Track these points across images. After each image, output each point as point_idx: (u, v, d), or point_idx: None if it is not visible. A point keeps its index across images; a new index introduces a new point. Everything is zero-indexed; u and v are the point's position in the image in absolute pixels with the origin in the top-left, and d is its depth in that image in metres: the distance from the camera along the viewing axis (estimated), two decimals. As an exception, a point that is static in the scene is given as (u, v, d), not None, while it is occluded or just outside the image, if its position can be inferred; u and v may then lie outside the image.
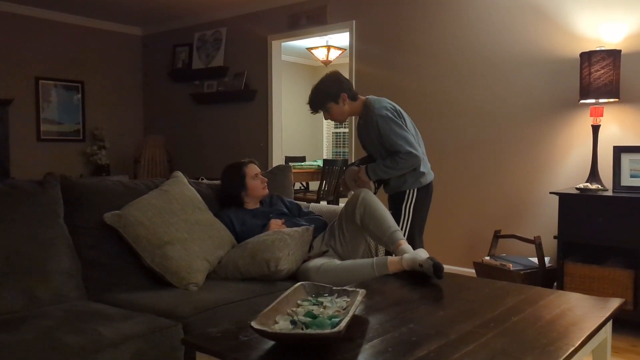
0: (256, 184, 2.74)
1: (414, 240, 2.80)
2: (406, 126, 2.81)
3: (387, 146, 2.77)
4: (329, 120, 9.36)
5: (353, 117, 4.41)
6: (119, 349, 1.64)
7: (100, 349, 1.59)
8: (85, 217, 2.26)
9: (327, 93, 2.84)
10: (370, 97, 2.92)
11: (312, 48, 6.96)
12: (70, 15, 6.31)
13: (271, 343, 1.36)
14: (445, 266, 2.07)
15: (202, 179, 3.09)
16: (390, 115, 2.76)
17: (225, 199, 2.77)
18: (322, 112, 2.91)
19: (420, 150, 2.81)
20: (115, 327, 1.72)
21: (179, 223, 2.34)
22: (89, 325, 1.71)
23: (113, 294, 2.15)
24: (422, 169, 2.85)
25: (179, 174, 2.65)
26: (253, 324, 1.31)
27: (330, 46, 6.87)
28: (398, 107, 2.87)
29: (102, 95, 6.72)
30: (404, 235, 2.66)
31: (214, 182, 2.94)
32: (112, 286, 2.22)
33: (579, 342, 1.38)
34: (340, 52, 6.98)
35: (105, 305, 2.01)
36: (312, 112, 2.92)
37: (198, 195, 2.58)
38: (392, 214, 2.66)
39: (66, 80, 6.38)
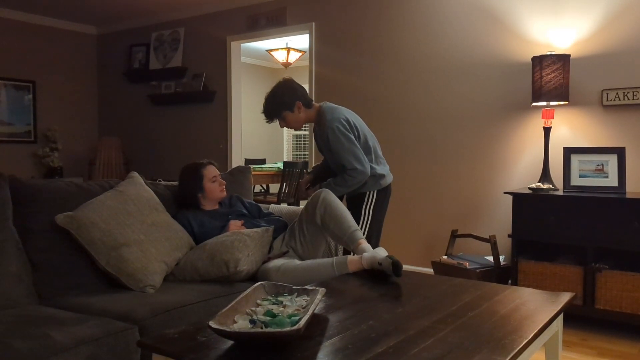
0: (214, 187, 2.70)
1: (372, 240, 2.83)
2: (359, 138, 2.80)
3: (336, 158, 2.78)
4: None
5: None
6: (72, 353, 1.59)
7: (51, 354, 1.54)
8: (36, 219, 2.18)
9: (281, 102, 2.81)
10: (324, 105, 2.89)
11: (272, 50, 6.95)
12: (22, 13, 6.09)
13: (230, 343, 1.34)
14: (403, 266, 2.09)
15: (160, 181, 3.02)
16: (342, 128, 2.74)
17: (183, 200, 2.72)
18: (277, 121, 2.89)
19: (368, 162, 2.78)
20: (68, 332, 1.66)
21: (135, 224, 2.28)
22: (40, 330, 1.65)
23: (66, 298, 2.07)
24: (381, 171, 2.87)
25: (135, 174, 2.59)
26: (211, 323, 1.29)
27: (290, 48, 6.87)
28: (352, 118, 2.83)
29: (55, 95, 6.51)
30: (363, 236, 2.68)
31: (172, 183, 2.89)
32: (65, 290, 2.14)
33: (532, 335, 1.43)
34: (300, 54, 6.99)
35: (57, 309, 1.94)
36: (267, 121, 2.90)
37: (155, 196, 2.53)
38: (352, 215, 2.68)
39: (16, 80, 6.15)
